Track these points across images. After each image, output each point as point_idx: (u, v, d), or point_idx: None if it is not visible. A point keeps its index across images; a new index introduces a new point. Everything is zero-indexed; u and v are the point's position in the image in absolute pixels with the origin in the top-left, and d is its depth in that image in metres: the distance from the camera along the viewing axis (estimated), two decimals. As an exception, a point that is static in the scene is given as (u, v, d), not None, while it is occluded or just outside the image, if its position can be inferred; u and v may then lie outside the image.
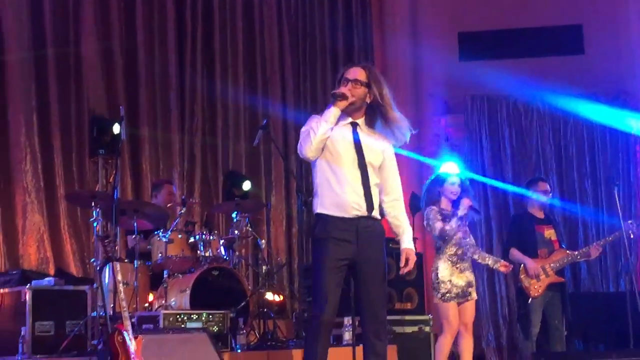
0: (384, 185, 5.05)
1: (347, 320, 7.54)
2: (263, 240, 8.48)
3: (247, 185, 9.59)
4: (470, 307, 6.89)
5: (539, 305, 7.53)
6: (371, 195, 4.94)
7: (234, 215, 8.15)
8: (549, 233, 7.75)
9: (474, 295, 6.91)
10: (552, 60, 11.41)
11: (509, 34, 11.67)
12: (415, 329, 8.25)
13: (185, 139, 9.95)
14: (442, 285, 6.79)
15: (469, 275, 6.89)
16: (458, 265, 6.84)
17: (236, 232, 8.09)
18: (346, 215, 4.87)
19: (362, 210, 4.88)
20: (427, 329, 8.31)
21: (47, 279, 7.22)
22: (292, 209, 10.53)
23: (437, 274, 6.84)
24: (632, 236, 7.69)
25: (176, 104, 9.90)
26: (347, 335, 7.50)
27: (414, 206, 10.51)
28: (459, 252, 6.87)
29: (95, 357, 5.58)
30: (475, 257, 7.07)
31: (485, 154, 11.47)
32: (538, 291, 7.48)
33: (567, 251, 7.69)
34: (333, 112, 4.88)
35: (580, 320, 9.84)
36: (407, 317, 8.49)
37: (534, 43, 11.55)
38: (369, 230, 4.92)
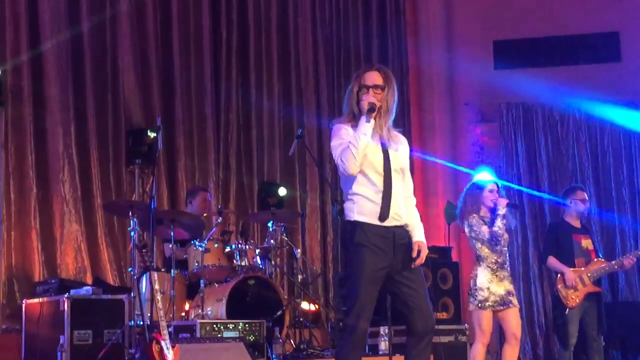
0: None
1: (383, 330, 7.53)
2: (298, 250, 8.49)
3: (282, 191, 9.61)
4: (514, 315, 6.78)
5: (576, 316, 7.46)
6: (401, 203, 4.93)
7: (269, 224, 8.17)
8: (586, 242, 7.69)
9: (516, 303, 6.80)
10: (588, 68, 11.35)
11: (544, 42, 11.63)
12: (452, 338, 8.22)
13: (220, 148, 10.00)
14: (480, 292, 6.73)
15: (508, 285, 6.82)
16: (498, 274, 6.78)
17: (272, 241, 8.11)
18: (384, 224, 4.87)
19: (397, 219, 4.88)
20: (463, 338, 8.28)
21: (85, 288, 7.28)
22: (327, 217, 10.52)
23: (475, 280, 6.78)
24: None
25: (211, 113, 9.95)
26: (383, 345, 7.48)
27: (450, 215, 10.50)
28: (500, 260, 6.81)
29: (133, 366, 5.61)
30: None
31: (520, 163, 11.41)
32: (575, 301, 7.42)
33: (604, 261, 7.62)
34: (370, 124, 4.87)
35: (618, 330, 9.77)
36: (443, 327, 8.45)
37: (569, 51, 11.49)
38: (403, 238, 4.91)
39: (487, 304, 6.72)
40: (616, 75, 11.19)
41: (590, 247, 7.69)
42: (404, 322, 4.89)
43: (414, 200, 5.07)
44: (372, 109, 4.85)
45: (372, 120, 4.86)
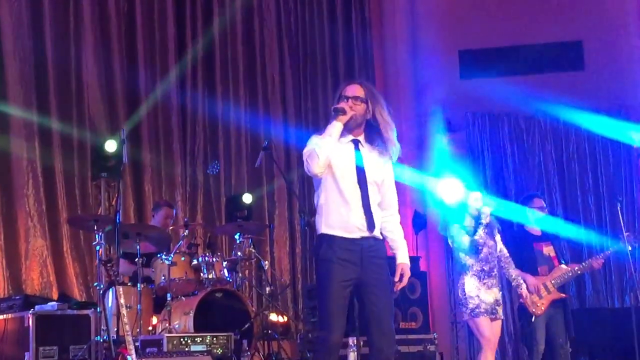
0: (382, 200, 5.03)
1: (352, 341, 7.51)
2: (266, 262, 8.47)
3: (248, 198, 9.55)
4: (497, 327, 6.81)
5: (542, 323, 7.48)
6: (372, 215, 4.91)
7: (236, 236, 8.14)
8: (548, 249, 7.71)
9: (501, 314, 6.83)
10: (552, 76, 11.41)
11: (509, 51, 11.68)
12: (421, 347, 8.21)
13: (187, 160, 9.95)
14: (470, 300, 6.71)
15: (497, 293, 6.82)
16: (485, 281, 6.77)
17: (239, 253, 8.08)
18: (351, 236, 4.85)
19: (365, 231, 4.86)
20: (432, 347, 8.27)
21: (50, 303, 7.22)
22: (296, 229, 10.50)
23: (463, 289, 6.76)
24: (629, 248, 7.61)
25: (178, 126, 9.92)
26: (352, 356, 7.45)
27: (417, 224, 10.52)
28: (486, 267, 6.80)
29: (99, 382, 5.56)
30: (505, 269, 7.06)
31: (487, 172, 11.45)
32: (541, 309, 7.43)
33: (568, 267, 7.65)
34: (336, 126, 4.87)
35: (585, 336, 9.80)
36: (412, 337, 8.45)
37: (534, 59, 11.55)
38: (373, 250, 4.89)
39: (479, 310, 6.69)
40: (580, 83, 11.26)
41: (552, 253, 7.70)
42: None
43: (397, 218, 5.07)
44: (337, 110, 4.86)
45: (339, 124, 4.86)
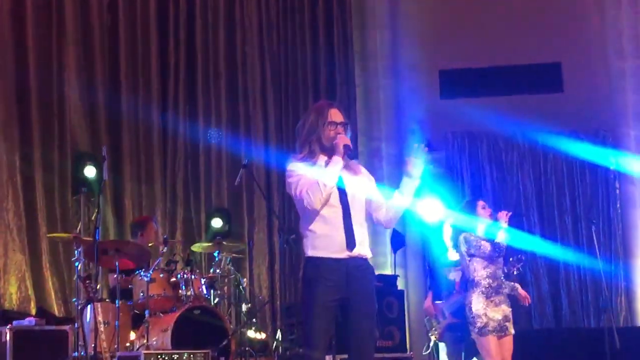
0: (373, 204, 5.06)
1: (329, 359, 7.55)
2: (245, 279, 8.50)
3: (217, 223, 9.60)
4: (508, 343, 6.73)
5: None
6: (354, 234, 4.96)
7: (215, 254, 8.16)
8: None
9: (512, 330, 6.75)
10: (531, 97, 11.51)
11: (490, 72, 11.78)
12: (397, 366, 8.25)
13: (167, 177, 9.98)
14: (478, 319, 6.66)
15: (506, 309, 6.76)
16: (493, 299, 6.72)
17: (218, 270, 8.10)
18: (336, 256, 4.87)
19: (350, 251, 4.92)
20: (408, 365, 8.32)
21: (28, 319, 7.23)
22: (275, 246, 10.53)
23: (470, 307, 6.71)
24: (515, 272, 7.43)
25: (158, 143, 9.94)
26: (329, 374, 7.49)
27: (396, 243, 10.57)
28: (494, 284, 6.76)
29: (76, 399, 5.57)
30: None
31: (466, 191, 11.52)
32: None
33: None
34: (339, 162, 4.87)
35: (562, 355, 9.89)
36: (389, 355, 8.49)
37: (513, 81, 11.66)
38: (360, 270, 4.93)
39: (487, 329, 6.65)
40: (558, 105, 11.37)
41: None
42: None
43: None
44: (349, 148, 4.89)
45: (341, 160, 4.91)
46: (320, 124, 4.96)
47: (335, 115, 4.98)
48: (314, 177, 4.83)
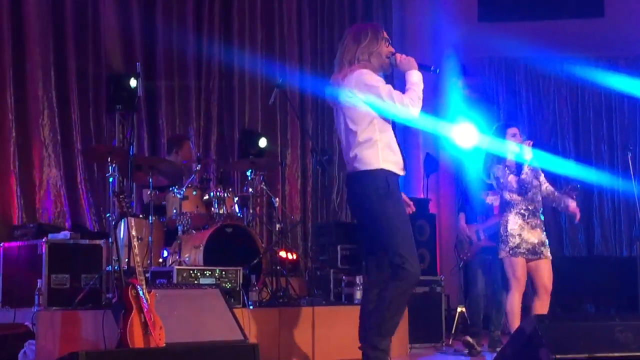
0: None
1: (359, 279, 7.61)
2: (277, 199, 8.50)
3: (263, 142, 9.63)
4: (546, 267, 6.61)
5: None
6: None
7: (248, 173, 8.17)
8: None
9: (548, 255, 6.64)
10: (571, 23, 11.30)
11: (530, -6, 11.58)
12: (427, 289, 8.27)
13: (202, 96, 9.97)
14: (511, 239, 6.60)
15: (541, 233, 6.67)
16: (529, 221, 6.64)
17: (250, 190, 8.11)
18: (400, 173, 5.12)
19: (404, 173, 5.16)
20: (438, 289, 8.33)
21: (63, 232, 7.31)
22: (308, 167, 10.54)
23: (506, 227, 6.65)
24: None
25: (193, 62, 9.90)
26: (359, 294, 7.55)
27: (429, 167, 10.55)
28: (531, 207, 6.68)
29: (110, 311, 5.64)
30: (557, 201, 6.82)
31: (501, 117, 11.43)
32: None
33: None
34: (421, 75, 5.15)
35: (592, 284, 9.90)
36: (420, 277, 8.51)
37: (553, 5, 11.45)
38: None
39: (518, 250, 6.58)
40: (599, 31, 11.16)
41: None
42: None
43: None
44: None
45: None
46: (380, 38, 5.22)
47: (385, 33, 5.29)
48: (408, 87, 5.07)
